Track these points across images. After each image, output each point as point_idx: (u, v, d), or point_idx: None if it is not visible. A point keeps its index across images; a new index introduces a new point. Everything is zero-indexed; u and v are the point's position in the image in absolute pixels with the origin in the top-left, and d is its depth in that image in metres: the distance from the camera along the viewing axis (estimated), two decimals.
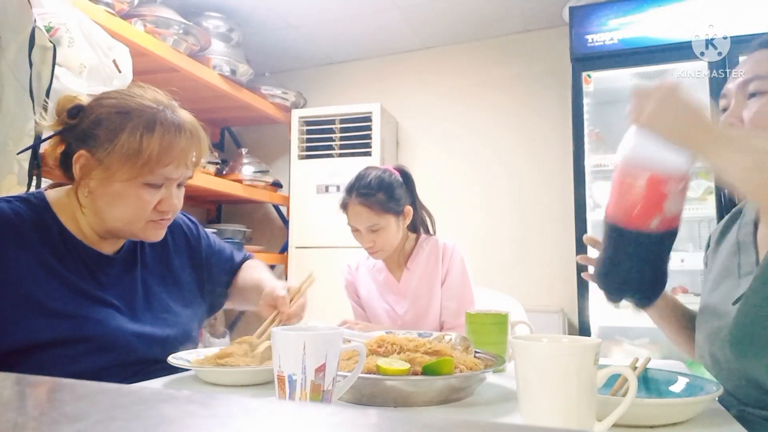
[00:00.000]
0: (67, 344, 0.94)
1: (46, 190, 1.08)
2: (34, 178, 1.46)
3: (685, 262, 2.29)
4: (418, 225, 1.71)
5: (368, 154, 3.03)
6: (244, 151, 3.23)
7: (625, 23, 2.47)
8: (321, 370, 0.68)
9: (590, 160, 2.54)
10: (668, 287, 0.95)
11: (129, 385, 0.49)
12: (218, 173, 2.95)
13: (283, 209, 3.45)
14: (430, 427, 0.31)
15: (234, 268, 1.33)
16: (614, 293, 0.92)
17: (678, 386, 0.85)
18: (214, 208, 3.64)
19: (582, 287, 2.39)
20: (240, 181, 3.02)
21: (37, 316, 0.93)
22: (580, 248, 2.43)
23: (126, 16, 2.23)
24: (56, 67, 1.54)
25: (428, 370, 0.83)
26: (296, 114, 3.22)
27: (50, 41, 1.53)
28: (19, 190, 1.42)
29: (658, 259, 0.87)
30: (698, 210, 2.36)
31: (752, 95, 0.89)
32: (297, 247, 3.13)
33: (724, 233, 1.05)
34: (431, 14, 2.91)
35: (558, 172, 2.93)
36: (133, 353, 1.01)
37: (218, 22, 2.84)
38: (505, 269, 2.97)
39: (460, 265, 1.65)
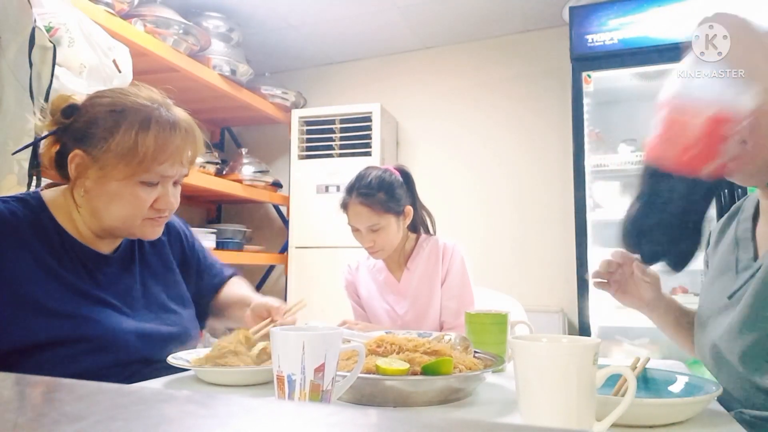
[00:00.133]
0: (67, 344, 0.94)
1: (42, 190, 1.08)
2: (34, 178, 1.46)
3: None
4: (419, 225, 1.71)
5: (368, 154, 3.03)
6: (244, 151, 3.22)
7: (625, 23, 2.46)
8: (320, 370, 0.68)
9: (590, 160, 2.54)
10: (668, 287, 0.94)
11: (129, 385, 0.50)
12: (218, 173, 2.95)
13: (283, 209, 3.45)
14: (430, 427, 0.31)
15: (221, 283, 1.31)
16: (648, 251, 0.82)
17: (677, 386, 0.85)
18: (214, 208, 3.64)
19: (582, 287, 2.39)
20: (240, 181, 3.02)
21: (36, 316, 0.93)
22: (581, 248, 2.44)
23: (126, 16, 2.23)
24: (56, 67, 1.54)
25: (428, 370, 0.83)
26: (296, 114, 3.22)
27: (50, 41, 1.53)
28: (19, 189, 1.42)
29: (701, 213, 0.78)
30: None
31: None
32: (297, 247, 3.13)
33: (722, 231, 1.05)
34: (431, 14, 2.90)
35: (558, 172, 2.93)
36: (133, 352, 1.00)
37: (218, 22, 2.84)
38: (505, 269, 2.97)
39: (460, 265, 1.65)
